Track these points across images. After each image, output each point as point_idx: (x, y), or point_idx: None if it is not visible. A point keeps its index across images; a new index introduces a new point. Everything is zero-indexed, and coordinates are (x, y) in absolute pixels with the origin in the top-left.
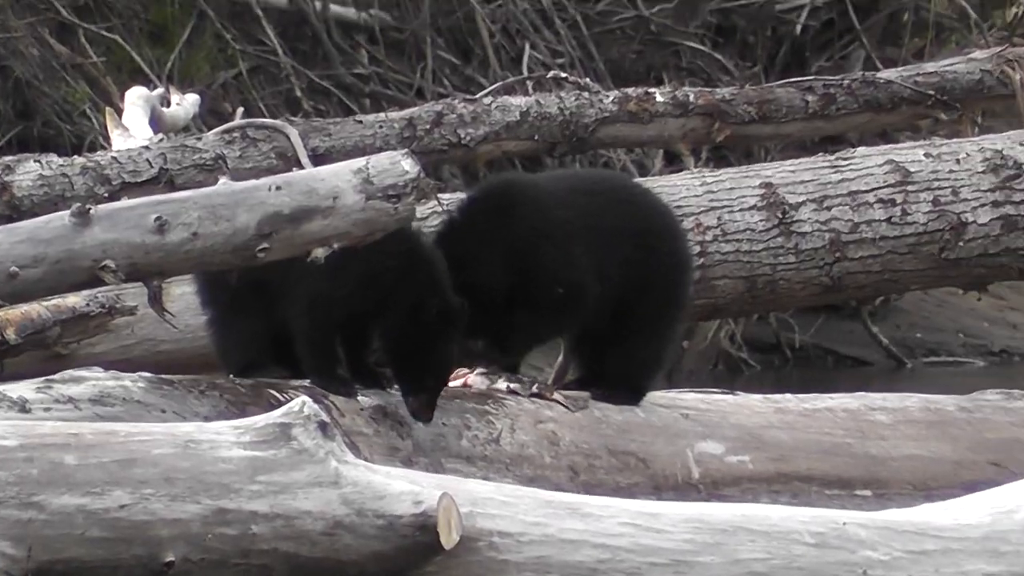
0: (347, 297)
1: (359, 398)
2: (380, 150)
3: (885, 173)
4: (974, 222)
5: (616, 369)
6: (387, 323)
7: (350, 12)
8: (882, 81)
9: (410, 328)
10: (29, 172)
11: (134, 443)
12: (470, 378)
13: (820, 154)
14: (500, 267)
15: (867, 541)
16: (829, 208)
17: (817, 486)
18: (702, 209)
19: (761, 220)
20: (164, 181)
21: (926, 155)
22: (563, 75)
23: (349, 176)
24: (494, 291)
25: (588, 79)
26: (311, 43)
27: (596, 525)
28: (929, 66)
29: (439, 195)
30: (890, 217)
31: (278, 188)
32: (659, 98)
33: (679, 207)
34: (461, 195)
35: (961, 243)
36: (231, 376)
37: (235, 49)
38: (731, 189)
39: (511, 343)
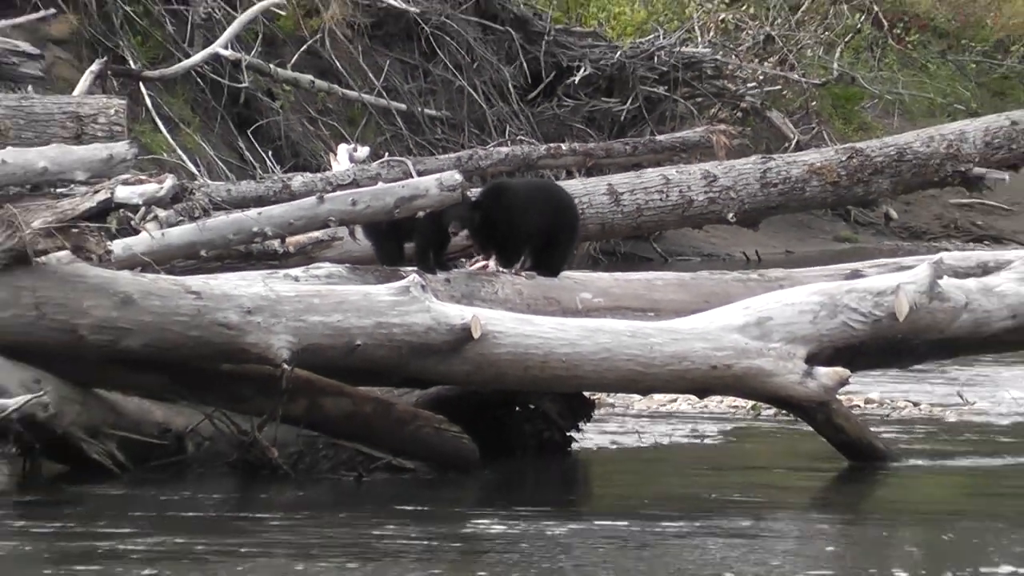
0: (437, 226)
1: (438, 274)
2: (445, 171)
3: (659, 180)
4: (696, 200)
5: (547, 263)
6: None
7: (433, 111)
8: (658, 140)
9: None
10: (297, 179)
11: (355, 295)
12: (490, 264)
13: (632, 172)
14: (498, 222)
15: (653, 334)
16: (635, 194)
17: (631, 313)
18: (583, 195)
19: (607, 200)
20: (355, 185)
21: (677, 171)
22: (522, 139)
23: (434, 182)
24: (496, 231)
25: (533, 140)
26: (416, 124)
27: (539, 328)
28: (678, 134)
29: (471, 189)
30: (661, 197)
31: (403, 187)
32: (564, 148)
33: (574, 194)
34: (477, 189)
35: (692, 208)
36: (383, 266)
37: (383, 127)
38: (595, 186)
39: (507, 253)
